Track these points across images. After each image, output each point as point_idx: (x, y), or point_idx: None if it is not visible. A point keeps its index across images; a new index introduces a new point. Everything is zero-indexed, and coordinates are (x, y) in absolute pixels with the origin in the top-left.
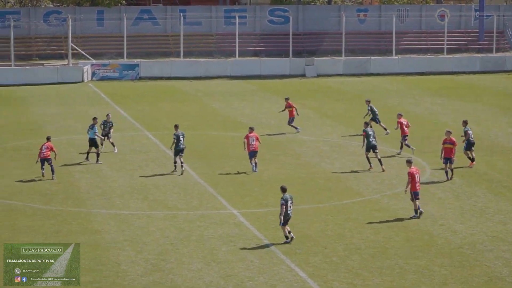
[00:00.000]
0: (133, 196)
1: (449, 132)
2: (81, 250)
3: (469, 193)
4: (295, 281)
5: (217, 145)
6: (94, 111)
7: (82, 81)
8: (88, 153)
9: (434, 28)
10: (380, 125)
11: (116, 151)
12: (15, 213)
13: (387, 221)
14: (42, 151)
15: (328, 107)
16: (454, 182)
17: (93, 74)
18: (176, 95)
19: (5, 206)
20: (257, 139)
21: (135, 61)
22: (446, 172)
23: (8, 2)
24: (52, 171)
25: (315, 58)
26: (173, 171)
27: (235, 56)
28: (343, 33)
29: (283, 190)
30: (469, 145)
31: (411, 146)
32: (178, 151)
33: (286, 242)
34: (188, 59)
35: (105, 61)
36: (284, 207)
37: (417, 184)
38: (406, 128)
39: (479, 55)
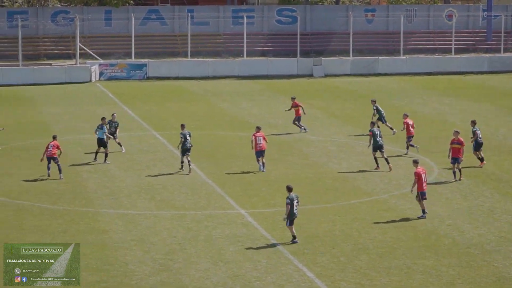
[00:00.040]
0: (140, 196)
1: (457, 132)
2: (88, 249)
3: (476, 193)
4: (303, 281)
5: (224, 145)
6: (102, 111)
7: (90, 81)
8: (96, 153)
9: (442, 28)
10: (386, 125)
11: (123, 151)
12: (22, 212)
13: (395, 221)
14: (49, 149)
15: (336, 107)
16: (462, 182)
17: (101, 74)
18: (183, 95)
19: (13, 205)
20: (264, 138)
21: (143, 61)
22: (454, 172)
23: (16, 2)
24: (59, 170)
25: (322, 58)
26: (180, 169)
27: (242, 56)
28: (351, 33)
29: (289, 189)
30: (477, 146)
31: (415, 145)
32: (185, 150)
33: (294, 242)
34: (195, 59)
35: (113, 61)
36: (290, 206)
37: (424, 184)
38: (412, 129)
39: (487, 55)
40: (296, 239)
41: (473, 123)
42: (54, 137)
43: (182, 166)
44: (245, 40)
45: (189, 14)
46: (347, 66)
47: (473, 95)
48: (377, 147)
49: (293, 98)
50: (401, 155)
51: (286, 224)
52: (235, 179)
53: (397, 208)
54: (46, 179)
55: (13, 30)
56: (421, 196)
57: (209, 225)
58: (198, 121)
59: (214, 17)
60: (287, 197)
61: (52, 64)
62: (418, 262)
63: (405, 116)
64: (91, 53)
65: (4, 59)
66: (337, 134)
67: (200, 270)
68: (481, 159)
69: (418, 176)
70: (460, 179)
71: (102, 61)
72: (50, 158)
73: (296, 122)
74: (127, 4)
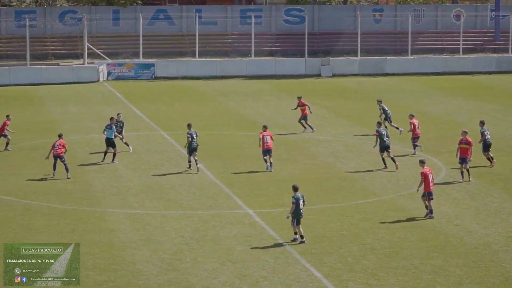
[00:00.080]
0: (148, 195)
1: (465, 132)
2: (96, 249)
3: (484, 193)
4: (310, 281)
5: (232, 145)
6: (110, 110)
7: (98, 80)
8: (105, 153)
9: (449, 28)
10: (392, 125)
11: (131, 150)
12: (31, 212)
13: (402, 221)
14: (55, 148)
15: (344, 107)
16: (470, 183)
17: (109, 73)
18: (191, 95)
19: (21, 205)
20: (271, 137)
21: (151, 60)
22: (462, 173)
23: (24, 2)
24: (66, 169)
25: (330, 58)
26: (187, 168)
27: (250, 56)
28: (359, 33)
29: (295, 189)
30: (486, 147)
31: (419, 145)
32: (192, 150)
33: (301, 242)
34: (203, 59)
35: (121, 61)
36: (295, 206)
37: (431, 184)
38: (418, 129)
39: (495, 55)
40: (304, 239)
41: (482, 123)
42: (60, 136)
43: (189, 165)
44: (253, 40)
45: (197, 14)
46: (355, 66)
47: (481, 95)
48: (384, 147)
49: (299, 97)
50: (408, 155)
51: (292, 224)
52: (243, 179)
53: (405, 208)
54: (54, 179)
55: (21, 29)
56: (427, 196)
57: (216, 225)
58: (206, 121)
59: (222, 17)
60: (293, 197)
61: (60, 64)
62: (425, 262)
63: (411, 116)
64: (99, 52)
65: (12, 59)
66: (345, 134)
67: (208, 269)
68: (491, 159)
69: (424, 176)
70: (469, 180)
71: (110, 60)
72: (57, 157)
73: (303, 121)
74: (135, 4)
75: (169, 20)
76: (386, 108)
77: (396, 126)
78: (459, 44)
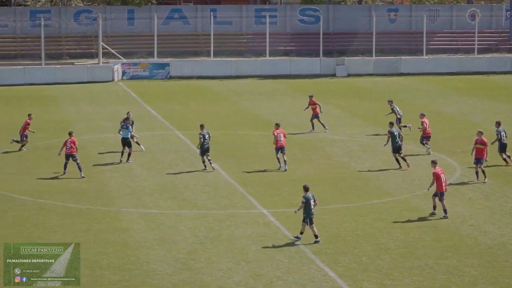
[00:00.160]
0: (162, 195)
1: (480, 133)
2: (110, 248)
3: (499, 193)
4: (325, 280)
5: (247, 145)
6: (124, 110)
7: (113, 80)
8: (122, 153)
9: (464, 28)
10: (399, 125)
11: (143, 149)
12: (45, 211)
13: (417, 221)
14: (67, 146)
15: (359, 107)
16: (485, 183)
17: (124, 73)
18: (206, 95)
19: (35, 204)
20: (284, 135)
21: (166, 60)
22: (477, 173)
23: (39, 1)
24: (79, 168)
25: (345, 58)
26: (203, 169)
27: (265, 56)
28: (374, 33)
29: (306, 189)
30: (502, 147)
31: (426, 145)
32: (204, 151)
33: (316, 242)
34: (218, 59)
35: (136, 60)
36: (304, 205)
37: (443, 184)
38: (428, 128)
39: (510, 55)
40: (318, 238)
41: (498, 124)
42: (70, 134)
43: (205, 166)
44: (267, 40)
45: (211, 13)
46: (369, 66)
47: (496, 95)
48: (396, 148)
49: (310, 96)
50: (422, 155)
51: (304, 223)
52: (257, 179)
53: (420, 208)
54: (67, 178)
55: (36, 29)
56: (440, 196)
57: (231, 225)
58: (220, 120)
59: (237, 17)
60: (303, 196)
61: (75, 63)
62: (440, 262)
63: (422, 115)
64: (114, 52)
65: (27, 58)
66: (360, 134)
67: (222, 269)
68: (506, 160)
69: (436, 176)
70: (485, 181)
71: (124, 60)
72: (69, 156)
73: (317, 119)
74: (149, 4)
75: (184, 19)
76: (398, 109)
77: (403, 125)
78: (474, 44)
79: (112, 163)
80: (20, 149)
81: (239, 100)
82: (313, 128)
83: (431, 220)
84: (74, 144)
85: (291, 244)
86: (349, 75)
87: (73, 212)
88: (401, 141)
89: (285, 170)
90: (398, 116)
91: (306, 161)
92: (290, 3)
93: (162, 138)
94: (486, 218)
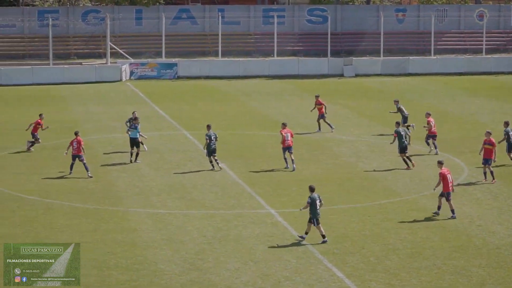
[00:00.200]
0: (170, 195)
1: (489, 133)
2: (118, 248)
3: (507, 193)
4: (332, 281)
5: (255, 145)
6: (132, 110)
7: (120, 80)
8: (131, 153)
9: (472, 28)
10: (403, 125)
11: (146, 149)
12: (52, 211)
13: (424, 221)
14: (73, 146)
15: (366, 107)
16: (493, 183)
17: (131, 73)
18: (214, 95)
19: (43, 204)
20: (291, 134)
21: (173, 60)
22: (485, 173)
23: (47, 1)
24: (86, 168)
25: (353, 58)
26: (211, 169)
27: (273, 56)
28: (382, 33)
29: (311, 189)
30: (510, 147)
31: (430, 145)
32: (211, 152)
33: (323, 242)
34: (226, 59)
35: (143, 60)
36: (309, 205)
37: (450, 184)
38: (434, 128)
39: None
40: (326, 238)
41: (506, 124)
42: (76, 134)
43: (212, 166)
44: (275, 40)
45: (219, 13)
46: (377, 66)
47: (504, 96)
48: (403, 148)
49: (317, 96)
50: (431, 154)
51: (310, 223)
52: (265, 179)
53: (427, 209)
54: (75, 178)
55: (44, 29)
56: (446, 196)
57: (239, 225)
58: (228, 120)
59: (245, 17)
60: (309, 197)
61: (83, 63)
62: (448, 263)
63: (428, 115)
64: (122, 52)
65: (34, 58)
66: (367, 134)
67: (230, 269)
68: None
69: (443, 176)
70: (493, 182)
71: (132, 60)
72: (76, 156)
73: (322, 119)
74: (157, 4)
75: (192, 19)
76: (404, 109)
77: (408, 124)
78: (482, 44)
79: (120, 163)
80: (28, 149)
81: (247, 100)
82: (319, 129)
83: (439, 220)
84: (80, 144)
85: (299, 244)
86: (357, 75)
87: (81, 212)
88: (408, 141)
89: (293, 170)
90: (405, 115)
91: (314, 161)
92: (298, 3)
93: (170, 138)
94: (494, 219)
